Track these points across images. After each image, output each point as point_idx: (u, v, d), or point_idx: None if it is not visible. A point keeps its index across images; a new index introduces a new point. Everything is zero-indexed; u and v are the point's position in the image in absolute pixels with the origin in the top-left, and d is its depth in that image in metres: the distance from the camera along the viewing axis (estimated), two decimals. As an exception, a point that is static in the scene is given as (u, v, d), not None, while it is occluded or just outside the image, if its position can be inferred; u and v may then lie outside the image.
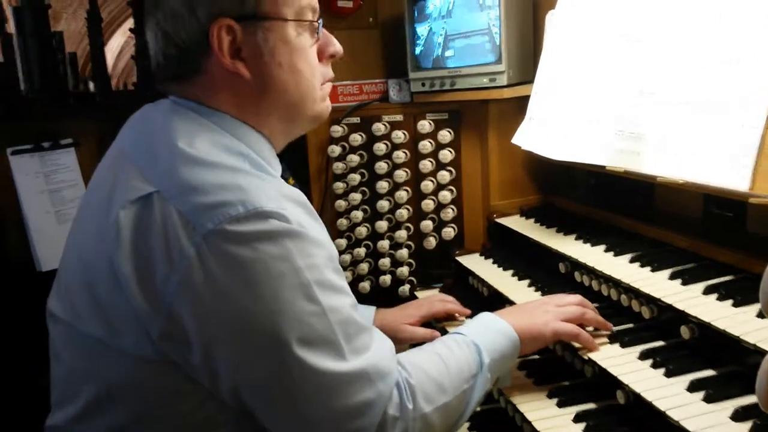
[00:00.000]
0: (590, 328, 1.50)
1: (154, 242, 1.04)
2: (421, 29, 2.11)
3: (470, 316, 1.84)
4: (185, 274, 1.02)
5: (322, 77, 1.28)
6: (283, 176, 1.30)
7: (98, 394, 1.13)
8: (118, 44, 8.97)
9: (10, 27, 2.99)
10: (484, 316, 1.49)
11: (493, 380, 1.38)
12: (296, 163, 2.32)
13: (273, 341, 1.04)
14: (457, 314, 1.88)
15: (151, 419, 1.12)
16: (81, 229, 1.21)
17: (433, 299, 1.90)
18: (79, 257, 1.17)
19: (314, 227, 1.13)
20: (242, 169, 1.11)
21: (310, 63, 1.25)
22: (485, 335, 1.41)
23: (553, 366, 1.57)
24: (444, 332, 1.69)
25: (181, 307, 1.03)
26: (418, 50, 2.13)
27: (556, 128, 1.78)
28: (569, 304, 1.51)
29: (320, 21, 1.27)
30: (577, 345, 1.47)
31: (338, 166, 2.27)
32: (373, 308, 1.83)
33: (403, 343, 1.81)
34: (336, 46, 1.31)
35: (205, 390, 1.10)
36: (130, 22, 3.84)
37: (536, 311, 1.50)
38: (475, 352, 1.35)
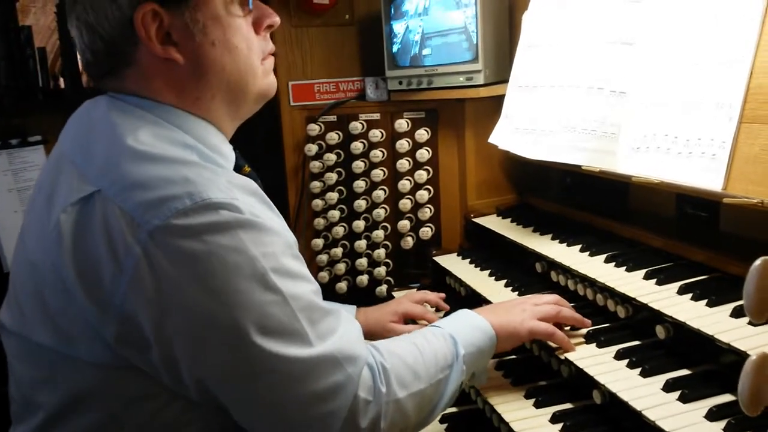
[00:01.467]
0: (567, 328, 1.50)
1: (98, 244, 1.00)
2: (398, 27, 2.10)
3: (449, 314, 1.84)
4: (134, 274, 0.98)
5: (261, 51, 1.22)
6: (238, 164, 1.27)
7: (59, 403, 1.09)
8: (90, 39, 8.78)
9: (-22, 22, 2.91)
10: (462, 313, 1.49)
11: (468, 374, 1.36)
12: (272, 162, 2.30)
13: (234, 335, 1.01)
14: (435, 305, 1.88)
15: (117, 423, 1.08)
16: (26, 235, 1.16)
17: (413, 295, 1.91)
18: (25, 265, 1.13)
19: (269, 216, 1.10)
20: (189, 161, 1.07)
21: (246, 37, 1.18)
22: (462, 329, 1.40)
23: (531, 366, 1.57)
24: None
25: (134, 308, 1.00)
26: (395, 48, 2.12)
27: (531, 127, 1.78)
28: (545, 303, 1.52)
29: None
30: (553, 345, 1.47)
31: (315, 165, 2.24)
32: (353, 308, 1.82)
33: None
34: (272, 17, 1.23)
35: (169, 389, 1.07)
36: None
37: (513, 309, 1.50)
38: (452, 343, 1.34)
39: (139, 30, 1.09)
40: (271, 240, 1.06)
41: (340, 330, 1.14)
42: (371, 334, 1.80)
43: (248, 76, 1.19)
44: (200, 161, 1.09)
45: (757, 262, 0.63)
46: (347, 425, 1.11)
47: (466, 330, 1.40)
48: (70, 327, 1.04)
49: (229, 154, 1.23)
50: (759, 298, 0.63)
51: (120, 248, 0.99)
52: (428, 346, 1.30)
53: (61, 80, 4.01)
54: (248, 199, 1.07)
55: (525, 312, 1.48)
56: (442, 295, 1.92)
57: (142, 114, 1.12)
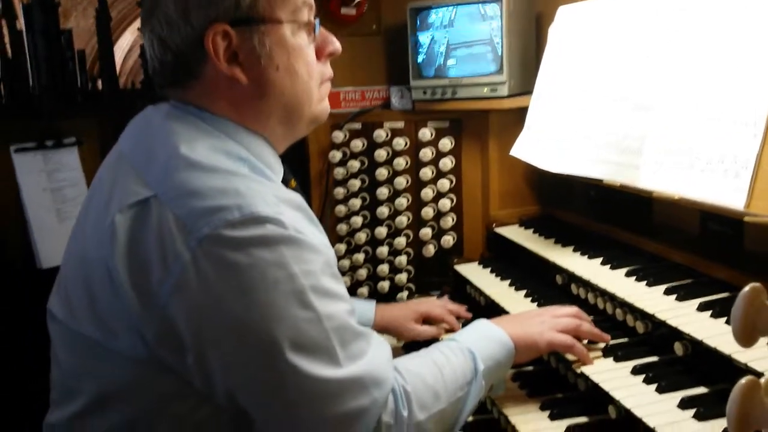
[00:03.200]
0: (585, 342, 1.50)
1: (150, 246, 1.04)
2: (424, 38, 2.12)
3: (468, 323, 1.85)
4: (180, 277, 1.02)
5: (320, 77, 1.26)
6: (285, 178, 1.31)
7: (96, 394, 1.13)
8: (127, 43, 8.99)
9: (20, 24, 3.01)
10: (480, 323, 1.50)
11: (487, 388, 1.38)
12: (297, 168, 2.33)
13: (267, 347, 1.04)
14: (449, 323, 1.88)
15: (148, 421, 1.12)
16: (81, 231, 1.21)
17: (434, 301, 1.93)
18: (77, 259, 1.17)
19: (312, 232, 1.13)
20: (241, 173, 1.11)
21: (308, 63, 1.22)
22: (480, 342, 1.40)
23: (547, 378, 1.57)
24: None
25: (176, 310, 1.03)
26: (420, 58, 2.14)
27: (553, 140, 1.78)
28: (565, 315, 1.52)
29: (317, 19, 1.25)
30: (571, 357, 1.47)
31: (339, 172, 2.27)
32: (373, 302, 1.85)
33: (408, 339, 1.85)
34: (335, 44, 1.28)
35: (200, 393, 1.09)
36: (139, 21, 3.86)
37: (532, 321, 1.51)
38: (470, 359, 1.35)
39: (208, 48, 1.14)
40: (311, 257, 1.08)
41: (370, 353, 1.16)
42: (388, 330, 1.83)
43: (305, 100, 1.24)
44: (251, 174, 1.12)
45: (746, 288, 0.63)
46: None
47: (484, 342, 1.41)
48: (114, 321, 1.08)
49: (279, 169, 1.26)
50: (746, 325, 0.63)
51: (170, 252, 1.03)
52: (448, 364, 1.31)
53: (99, 82, 4.13)
54: (293, 213, 1.10)
55: (544, 323, 1.48)
56: (464, 307, 1.92)
57: (201, 124, 1.17)
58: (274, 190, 1.12)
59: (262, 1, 1.16)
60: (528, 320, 1.51)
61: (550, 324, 1.48)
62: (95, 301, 1.10)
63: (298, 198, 1.16)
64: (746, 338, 0.64)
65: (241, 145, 1.17)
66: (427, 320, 1.87)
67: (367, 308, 1.83)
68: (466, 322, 1.80)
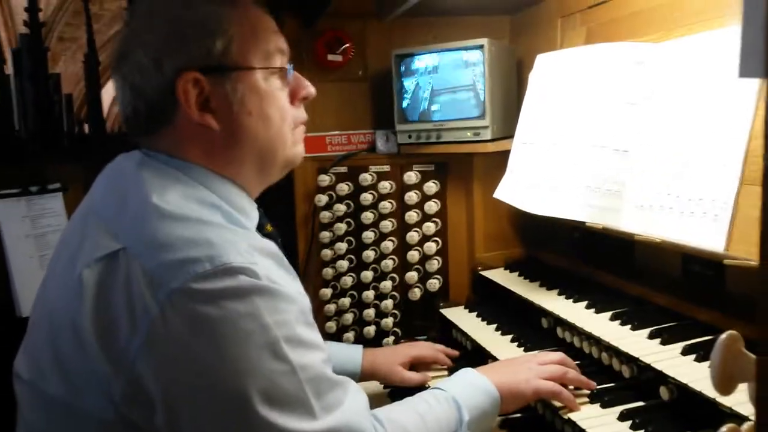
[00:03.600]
0: (572, 387, 1.48)
1: (117, 301, 1.02)
2: (408, 83, 2.16)
3: (453, 370, 1.83)
4: (149, 334, 0.99)
5: (293, 121, 1.26)
6: (261, 223, 1.29)
7: None
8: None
9: (8, 68, 3.04)
10: (465, 372, 1.48)
11: None
12: (283, 211, 2.33)
13: (239, 403, 1.01)
14: (441, 361, 1.87)
15: None
16: (49, 285, 1.18)
17: (424, 343, 1.92)
18: (44, 316, 1.14)
19: (286, 281, 1.11)
20: (213, 222, 1.09)
21: (281, 108, 1.22)
22: (466, 392, 1.39)
23: (534, 425, 1.55)
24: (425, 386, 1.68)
25: (145, 367, 1.00)
26: (405, 103, 2.17)
27: (535, 183, 1.80)
28: (551, 362, 1.51)
29: (290, 64, 1.25)
30: (557, 404, 1.45)
31: (325, 216, 2.28)
32: (360, 348, 1.83)
33: (394, 385, 1.82)
34: (308, 89, 1.28)
35: None
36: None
37: (518, 368, 1.50)
38: (455, 408, 1.34)
39: (179, 95, 1.14)
40: (285, 307, 1.06)
41: (347, 402, 1.13)
42: (375, 375, 1.81)
43: (278, 144, 1.23)
44: (224, 222, 1.11)
45: (724, 335, 0.63)
46: None
47: (470, 392, 1.39)
48: (81, 380, 1.05)
49: (253, 214, 1.25)
50: (723, 373, 0.63)
51: (138, 308, 1.00)
52: (432, 414, 1.29)
53: (86, 126, 4.14)
54: (267, 262, 1.08)
55: (530, 371, 1.47)
56: (455, 353, 1.90)
57: (173, 172, 1.15)
58: (247, 239, 1.10)
59: (233, 48, 1.16)
60: (514, 368, 1.50)
61: (536, 371, 1.47)
62: (62, 359, 1.07)
63: (271, 246, 1.14)
64: (725, 386, 0.64)
65: (214, 192, 1.16)
66: (417, 364, 1.85)
67: (355, 353, 1.81)
68: (452, 370, 1.79)
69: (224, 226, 1.10)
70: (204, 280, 1.00)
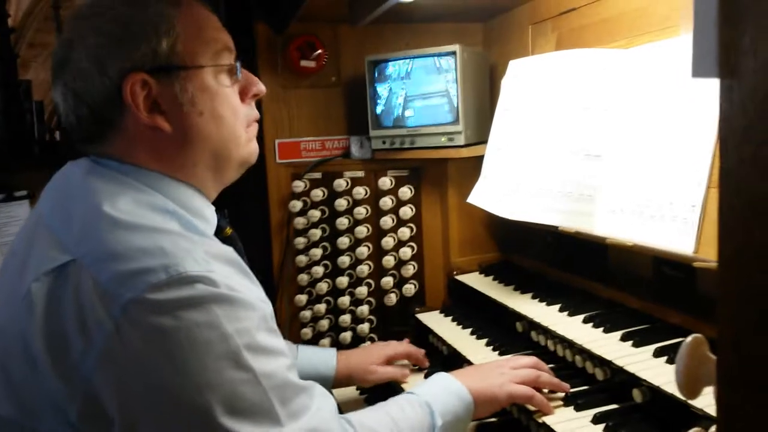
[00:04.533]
0: (546, 391, 1.49)
1: (68, 316, 0.97)
2: (382, 89, 2.16)
3: (429, 374, 1.83)
4: (103, 349, 0.96)
5: (246, 119, 1.23)
6: (220, 225, 1.27)
7: None
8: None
9: (-24, 76, 2.97)
10: (439, 377, 1.48)
11: None
12: (257, 218, 2.31)
13: (202, 417, 0.97)
14: (414, 357, 1.88)
15: None
16: None
17: (397, 342, 1.91)
18: None
19: (246, 287, 1.08)
20: (167, 230, 1.05)
21: (233, 106, 1.20)
22: (439, 396, 1.38)
23: (509, 429, 1.55)
24: (400, 390, 1.67)
25: (101, 384, 0.97)
26: (378, 109, 2.17)
27: (508, 188, 1.81)
28: (524, 366, 1.51)
29: (239, 62, 1.22)
30: (532, 408, 1.46)
31: (299, 221, 2.26)
32: (334, 351, 1.82)
33: (372, 384, 1.81)
34: (258, 86, 1.25)
35: None
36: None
37: (491, 373, 1.50)
38: (428, 413, 1.33)
39: (126, 98, 1.10)
40: (246, 315, 1.03)
41: (314, 407, 1.11)
42: (351, 378, 1.80)
43: (232, 144, 1.20)
44: (180, 229, 1.07)
45: (689, 339, 0.64)
46: None
47: (443, 396, 1.39)
48: (34, 400, 1.01)
49: (211, 218, 1.22)
50: (688, 377, 0.63)
51: (91, 322, 0.96)
52: (404, 418, 1.28)
53: (57, 134, 4.07)
54: (225, 269, 1.05)
55: (504, 375, 1.47)
56: (423, 351, 1.91)
57: (123, 179, 1.11)
58: (203, 246, 1.06)
59: (180, 48, 1.13)
60: (487, 373, 1.50)
61: (509, 376, 1.47)
62: (12, 378, 1.03)
63: (229, 252, 1.11)
64: (690, 390, 0.64)
65: (168, 197, 1.13)
66: (392, 362, 1.85)
67: (329, 356, 1.80)
68: (427, 374, 1.78)
69: (179, 234, 1.06)
70: (159, 291, 0.96)
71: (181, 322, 0.97)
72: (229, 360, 1.00)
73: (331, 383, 1.76)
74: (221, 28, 1.22)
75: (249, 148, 1.25)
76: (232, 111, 1.20)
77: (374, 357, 1.81)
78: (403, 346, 1.88)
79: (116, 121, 1.13)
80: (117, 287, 0.97)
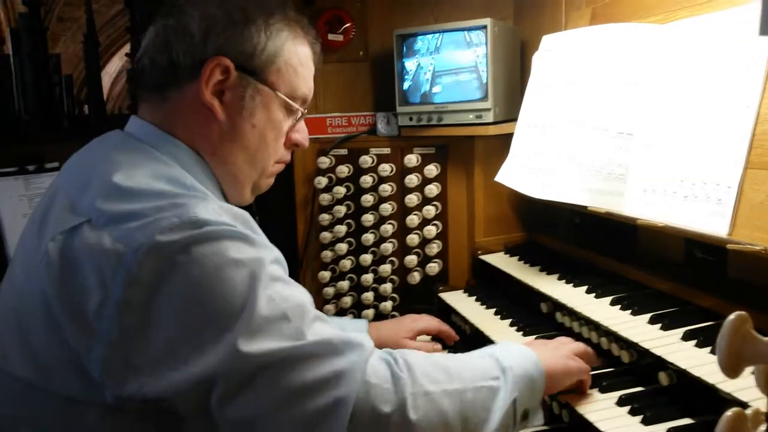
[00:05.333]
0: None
1: (86, 271, 0.99)
2: (410, 64, 2.13)
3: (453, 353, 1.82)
4: (121, 296, 0.97)
5: (279, 156, 1.30)
6: None
7: None
8: (115, 68, 9.03)
9: (8, 48, 3.01)
10: (501, 343, 1.39)
11: (521, 409, 1.20)
12: (282, 194, 2.31)
13: (222, 342, 0.98)
14: (446, 333, 1.88)
15: None
16: (14, 267, 1.16)
17: (427, 316, 1.90)
18: (11, 296, 1.12)
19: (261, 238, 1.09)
20: (182, 193, 1.07)
21: (277, 138, 1.26)
22: (505, 352, 1.27)
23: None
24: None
25: (122, 330, 0.98)
26: (406, 85, 2.14)
27: (538, 167, 1.78)
28: (578, 352, 1.45)
29: (305, 112, 1.30)
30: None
31: (324, 198, 2.26)
32: (365, 322, 1.83)
33: None
34: (305, 141, 1.33)
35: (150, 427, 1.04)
36: (128, 47, 3.88)
37: (547, 345, 1.44)
38: (493, 360, 1.23)
39: (204, 71, 1.15)
40: (258, 250, 1.05)
41: (336, 330, 1.09)
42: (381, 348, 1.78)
43: (258, 166, 1.26)
44: (194, 194, 1.09)
45: (731, 316, 0.62)
46: (363, 414, 1.02)
47: (511, 352, 1.28)
48: (50, 359, 1.03)
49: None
50: (731, 354, 0.61)
51: (107, 272, 0.98)
52: (456, 363, 1.20)
53: (86, 107, 4.12)
54: (237, 222, 1.07)
55: (562, 348, 1.42)
56: (456, 337, 1.89)
57: (150, 151, 1.14)
58: (217, 203, 1.08)
59: (274, 68, 1.21)
60: (544, 345, 1.44)
61: (567, 349, 1.42)
62: (30, 339, 1.05)
63: (244, 213, 1.12)
64: (732, 368, 0.62)
65: (189, 173, 1.15)
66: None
67: (361, 326, 1.80)
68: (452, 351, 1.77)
69: (192, 195, 1.08)
70: (170, 232, 0.98)
71: (193, 257, 0.98)
72: (243, 284, 1.00)
73: None
74: (311, 79, 1.30)
75: (266, 181, 1.32)
76: (275, 142, 1.27)
77: (405, 330, 1.81)
78: (435, 322, 1.88)
79: (180, 83, 1.17)
80: (130, 237, 0.99)
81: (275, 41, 1.21)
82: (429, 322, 1.87)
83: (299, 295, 1.09)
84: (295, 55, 1.25)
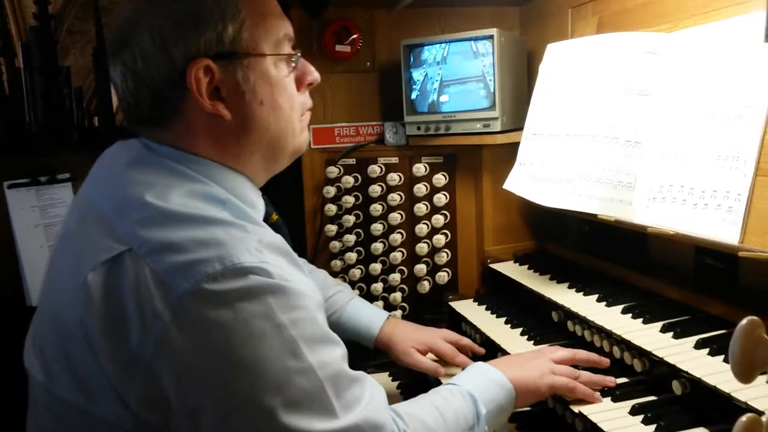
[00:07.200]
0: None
1: (128, 306, 0.98)
2: (417, 74, 2.14)
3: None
4: (161, 337, 0.97)
5: (301, 108, 1.24)
6: (267, 211, 1.28)
7: None
8: (125, 80, 9.08)
9: (19, 61, 3.04)
10: (478, 367, 1.46)
11: None
12: (291, 204, 2.33)
13: (259, 407, 0.99)
14: (457, 363, 1.79)
15: None
16: (53, 284, 1.14)
17: (446, 335, 1.81)
18: (51, 316, 1.11)
19: (297, 278, 1.07)
20: (221, 220, 1.05)
21: (290, 96, 1.20)
22: (481, 386, 1.37)
23: (544, 419, 1.54)
24: (438, 383, 1.66)
25: (159, 371, 0.98)
26: (413, 95, 2.15)
27: (546, 175, 1.78)
28: (562, 358, 1.49)
29: (298, 51, 1.22)
30: (568, 397, 1.44)
31: (333, 207, 2.26)
32: (386, 314, 1.80)
33: (404, 365, 1.76)
34: (314, 74, 1.26)
35: None
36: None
37: (530, 363, 1.47)
38: (471, 402, 1.32)
39: (190, 84, 1.08)
40: (299, 304, 1.04)
41: (366, 398, 1.11)
42: (389, 349, 1.76)
43: (288, 133, 1.21)
44: (232, 218, 1.07)
45: (743, 321, 0.62)
46: None
47: (485, 385, 1.38)
48: (93, 385, 1.02)
49: (260, 206, 1.23)
50: (744, 359, 0.61)
51: (148, 311, 0.97)
52: (449, 408, 1.28)
53: (95, 119, 4.14)
54: (278, 260, 1.06)
55: (543, 366, 1.45)
56: (480, 350, 1.84)
57: (176, 168, 1.11)
58: (257, 235, 1.06)
59: (245, 35, 1.12)
60: (526, 363, 1.48)
61: (549, 367, 1.45)
62: (73, 364, 1.04)
63: (281, 241, 1.11)
64: (745, 373, 0.62)
65: (220, 185, 1.13)
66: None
67: (378, 319, 1.78)
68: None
69: (232, 223, 1.06)
70: (215, 281, 0.97)
71: (237, 313, 0.97)
72: (284, 350, 1.00)
73: (371, 344, 1.77)
74: (283, 15, 1.21)
75: (302, 137, 1.26)
76: (290, 100, 1.20)
77: (416, 342, 1.75)
78: (450, 351, 1.76)
79: (176, 107, 1.12)
80: (173, 277, 0.97)
81: (230, 10, 1.11)
82: (443, 346, 1.76)
83: (336, 355, 1.09)
84: (254, 7, 1.14)
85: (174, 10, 1.10)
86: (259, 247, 1.04)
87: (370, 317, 1.79)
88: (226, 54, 1.11)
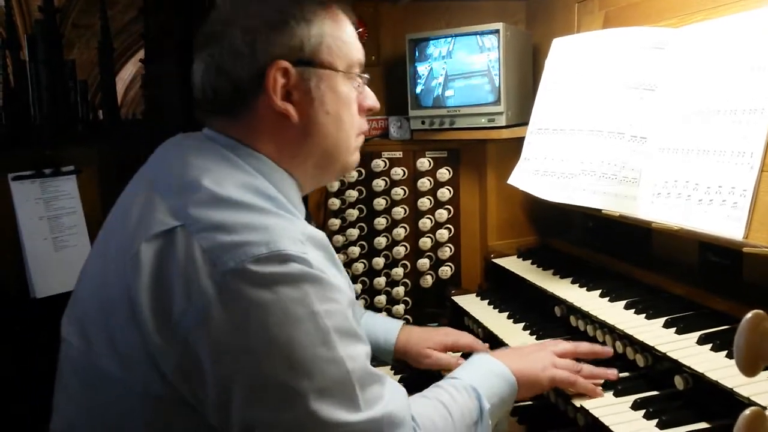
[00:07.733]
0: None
1: (175, 276, 1.03)
2: (422, 69, 2.14)
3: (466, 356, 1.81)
4: (203, 310, 1.01)
5: (358, 129, 1.32)
6: (306, 219, 1.30)
7: (106, 429, 1.11)
8: (129, 74, 9.13)
9: (24, 54, 3.05)
10: (481, 359, 1.47)
11: (492, 426, 1.36)
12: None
13: (289, 389, 1.03)
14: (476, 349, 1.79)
15: None
16: (102, 257, 1.19)
17: (461, 333, 1.84)
18: (97, 285, 1.16)
19: (334, 273, 1.13)
20: (269, 210, 1.11)
21: (352, 114, 1.29)
22: (484, 379, 1.39)
23: (546, 413, 1.54)
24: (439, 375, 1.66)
25: (198, 342, 1.02)
26: (418, 89, 2.15)
27: (550, 170, 1.78)
28: (564, 351, 1.50)
29: (366, 76, 1.32)
30: (570, 391, 1.44)
31: (336, 201, 2.27)
32: (400, 323, 1.82)
33: (424, 367, 1.78)
34: (375, 102, 1.35)
35: (214, 430, 1.07)
36: (142, 53, 3.93)
37: (532, 356, 1.48)
38: (475, 398, 1.34)
39: (267, 82, 1.18)
40: (334, 296, 1.09)
41: (387, 396, 1.15)
42: (405, 356, 1.78)
43: (343, 148, 1.29)
44: (279, 211, 1.13)
45: (749, 315, 0.62)
46: None
47: (488, 379, 1.39)
48: (132, 354, 1.06)
49: (303, 210, 1.28)
50: (749, 352, 0.61)
51: (194, 284, 1.02)
52: (455, 405, 1.30)
53: (100, 112, 4.16)
54: (317, 253, 1.11)
55: (545, 359, 1.46)
56: (486, 345, 1.83)
57: (235, 160, 1.18)
58: (300, 227, 1.12)
59: (324, 48, 1.22)
60: (528, 355, 1.49)
61: (550, 360, 1.46)
62: (113, 331, 1.09)
63: (322, 236, 1.16)
64: (750, 367, 0.62)
65: (271, 182, 1.19)
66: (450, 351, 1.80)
67: (392, 328, 1.79)
68: (466, 355, 1.76)
69: (281, 215, 1.12)
70: (259, 263, 1.02)
71: (276, 296, 1.02)
72: (317, 338, 1.05)
73: (391, 355, 1.79)
74: (358, 41, 1.32)
75: (353, 157, 1.34)
76: (351, 118, 1.29)
77: (434, 342, 1.78)
78: (468, 339, 1.80)
79: (251, 102, 1.20)
80: (220, 255, 1.03)
81: (316, 25, 1.22)
82: (459, 339, 1.79)
83: (363, 351, 1.13)
84: (338, 29, 1.25)
85: (267, 14, 1.20)
86: (303, 239, 1.09)
87: (386, 327, 1.81)
88: (305, 61, 1.20)
